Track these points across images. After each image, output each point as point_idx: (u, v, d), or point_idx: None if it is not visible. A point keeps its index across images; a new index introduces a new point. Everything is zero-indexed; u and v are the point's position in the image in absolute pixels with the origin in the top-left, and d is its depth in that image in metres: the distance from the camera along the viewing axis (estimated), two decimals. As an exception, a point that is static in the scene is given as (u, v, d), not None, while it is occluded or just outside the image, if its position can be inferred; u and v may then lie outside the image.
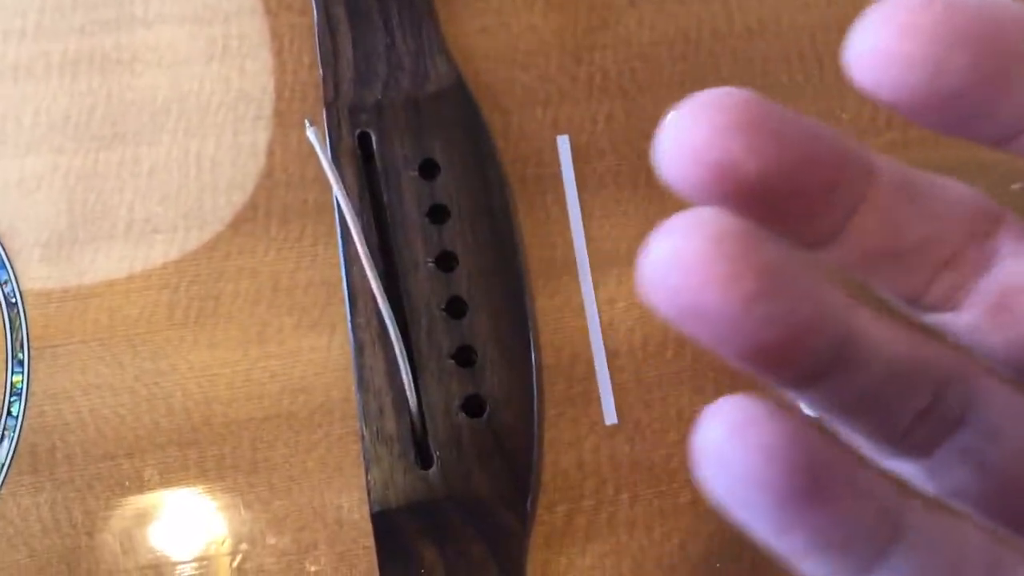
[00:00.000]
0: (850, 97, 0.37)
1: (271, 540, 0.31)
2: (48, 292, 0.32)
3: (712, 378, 0.33)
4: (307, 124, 0.32)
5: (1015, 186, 0.37)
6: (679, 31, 0.37)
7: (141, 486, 0.31)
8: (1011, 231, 0.14)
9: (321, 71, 0.35)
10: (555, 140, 0.36)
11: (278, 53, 0.35)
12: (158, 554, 0.31)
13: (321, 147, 0.32)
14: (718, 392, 0.33)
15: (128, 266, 0.33)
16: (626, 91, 0.36)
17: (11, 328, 0.32)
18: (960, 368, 0.14)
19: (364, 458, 0.31)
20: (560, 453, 0.32)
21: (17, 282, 0.32)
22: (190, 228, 0.33)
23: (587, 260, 0.34)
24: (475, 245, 0.33)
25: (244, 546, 0.31)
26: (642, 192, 0.35)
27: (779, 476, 0.11)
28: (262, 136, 0.34)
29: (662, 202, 0.35)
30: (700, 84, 0.36)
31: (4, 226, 0.33)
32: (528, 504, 0.31)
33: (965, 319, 0.15)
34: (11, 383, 0.31)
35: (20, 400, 0.31)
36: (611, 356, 0.33)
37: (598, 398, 0.33)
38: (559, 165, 0.35)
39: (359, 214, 0.33)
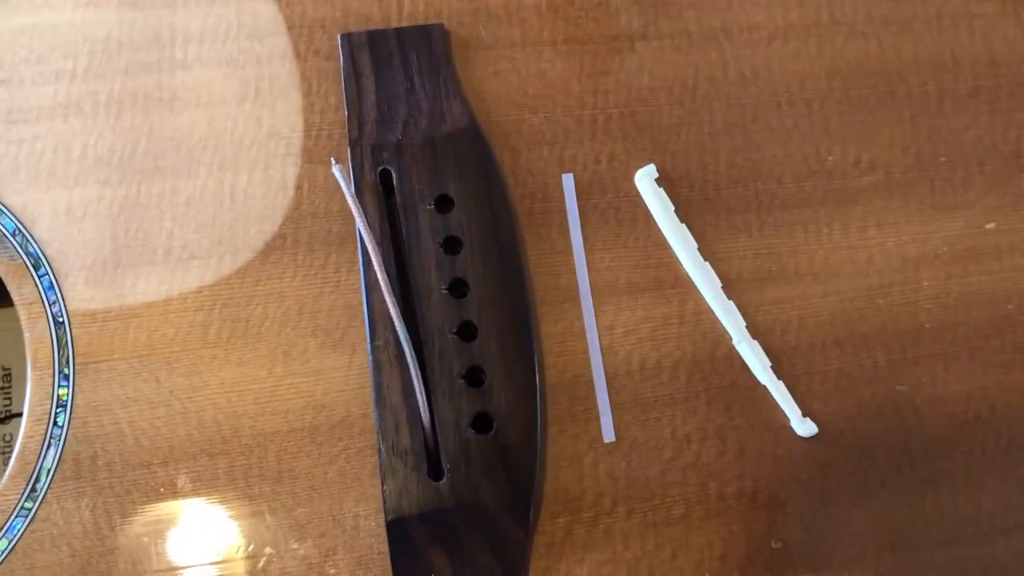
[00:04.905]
0: (836, 141, 0.39)
1: (294, 545, 0.33)
2: (92, 312, 0.35)
3: (704, 399, 0.35)
4: (333, 161, 0.35)
5: (989, 225, 0.39)
6: (677, 77, 0.40)
7: (174, 492, 0.33)
8: None
9: (346, 112, 0.37)
10: (560, 177, 0.38)
11: (306, 95, 0.38)
12: (190, 556, 0.33)
13: (346, 182, 0.34)
14: (710, 412, 0.35)
15: (166, 289, 0.35)
16: (627, 133, 0.39)
17: (58, 345, 0.34)
18: None
19: (380, 470, 0.33)
20: (561, 468, 0.34)
21: (64, 303, 0.35)
22: (223, 255, 0.36)
23: (589, 289, 0.36)
24: (485, 274, 0.35)
25: (269, 550, 0.33)
26: (640, 227, 0.37)
27: None
28: (291, 171, 0.37)
29: (659, 236, 0.37)
30: (696, 127, 0.39)
31: (53, 251, 0.35)
32: (531, 515, 0.33)
33: None
34: (57, 396, 0.34)
35: (65, 412, 0.34)
36: (610, 378, 0.36)
37: (597, 417, 0.35)
38: (564, 200, 0.38)
39: (379, 244, 0.35)
